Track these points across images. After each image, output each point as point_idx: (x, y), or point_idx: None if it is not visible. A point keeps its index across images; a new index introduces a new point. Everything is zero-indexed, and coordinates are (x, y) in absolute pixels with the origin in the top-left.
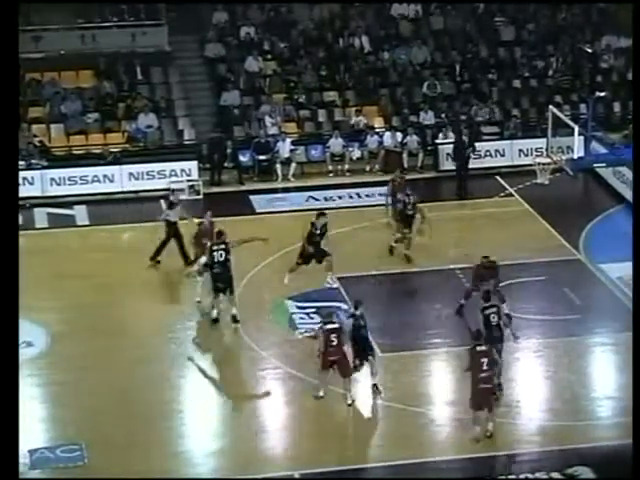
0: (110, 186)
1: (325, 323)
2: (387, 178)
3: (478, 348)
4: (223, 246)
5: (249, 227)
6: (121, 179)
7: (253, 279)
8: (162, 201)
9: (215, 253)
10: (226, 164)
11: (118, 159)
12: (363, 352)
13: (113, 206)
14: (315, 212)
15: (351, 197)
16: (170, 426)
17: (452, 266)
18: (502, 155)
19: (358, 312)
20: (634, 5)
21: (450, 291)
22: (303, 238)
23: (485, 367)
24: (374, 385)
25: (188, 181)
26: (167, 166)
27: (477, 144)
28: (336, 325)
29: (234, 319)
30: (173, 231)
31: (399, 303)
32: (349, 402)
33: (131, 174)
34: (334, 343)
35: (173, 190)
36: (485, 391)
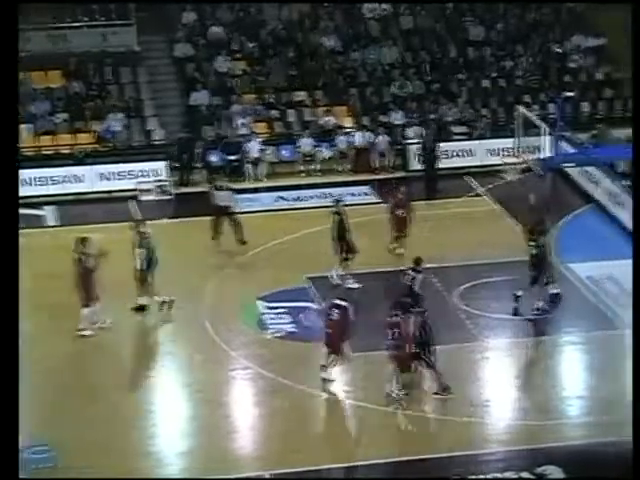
0: (80, 186)
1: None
2: (357, 178)
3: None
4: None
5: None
6: (91, 179)
7: (223, 279)
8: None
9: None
10: (196, 164)
11: (82, 158)
12: None
13: (83, 206)
14: (283, 212)
15: (322, 197)
16: (140, 426)
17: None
18: (471, 155)
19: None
20: (634, 5)
21: (420, 290)
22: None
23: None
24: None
25: (157, 181)
26: (136, 166)
27: (446, 144)
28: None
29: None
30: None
31: (369, 303)
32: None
33: (101, 174)
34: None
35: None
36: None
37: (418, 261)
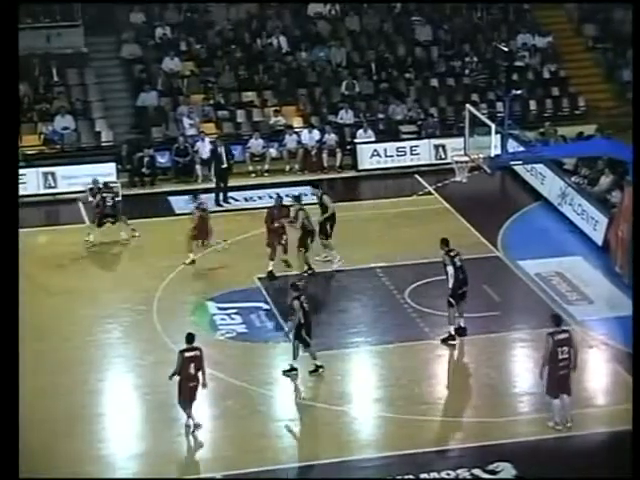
0: (25, 188)
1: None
2: (307, 178)
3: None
4: None
5: (168, 228)
6: (37, 182)
7: (174, 280)
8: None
9: None
10: (143, 170)
11: (29, 161)
12: None
13: (29, 209)
14: (233, 213)
15: (271, 197)
16: (91, 430)
17: (372, 265)
18: (420, 154)
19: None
20: (634, 5)
21: (370, 290)
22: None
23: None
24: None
25: (106, 183)
26: (85, 168)
27: (396, 143)
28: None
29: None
30: None
31: (320, 302)
32: None
33: (47, 176)
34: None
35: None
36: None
37: (446, 242)
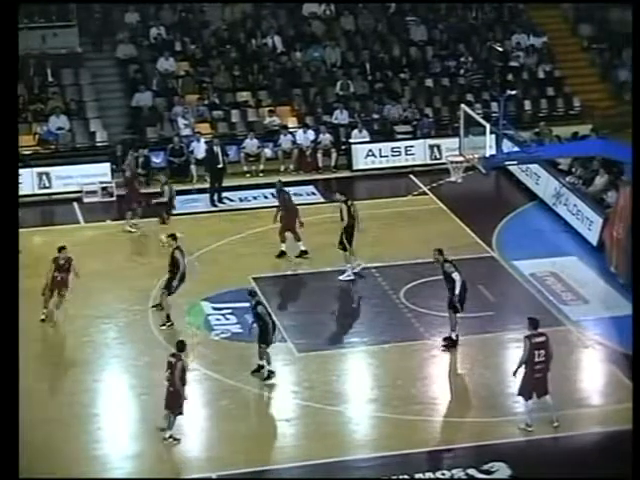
0: (20, 189)
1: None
2: (301, 178)
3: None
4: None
5: (163, 228)
6: (32, 182)
7: None
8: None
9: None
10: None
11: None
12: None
13: (24, 209)
14: (229, 213)
15: (266, 197)
16: (86, 430)
17: (368, 265)
18: (415, 154)
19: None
20: (634, 5)
21: (366, 289)
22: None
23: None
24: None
25: (101, 183)
26: (79, 168)
27: (391, 143)
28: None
29: None
30: None
31: (315, 302)
32: None
33: (42, 177)
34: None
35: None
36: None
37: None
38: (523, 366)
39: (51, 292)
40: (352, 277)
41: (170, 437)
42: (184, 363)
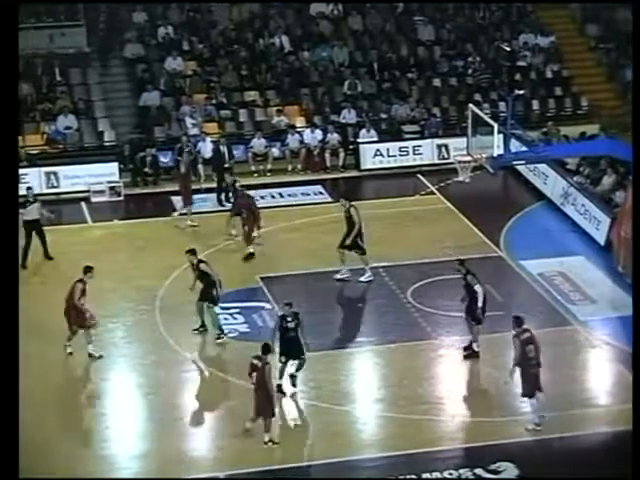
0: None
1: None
2: (309, 177)
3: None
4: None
5: (170, 228)
6: (39, 181)
7: (177, 279)
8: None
9: None
10: (146, 169)
11: (32, 160)
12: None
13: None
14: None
15: (273, 197)
16: (94, 429)
17: (375, 264)
18: (423, 153)
19: (286, 313)
20: (634, 5)
21: (373, 289)
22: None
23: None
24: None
25: (108, 182)
26: (87, 168)
27: (399, 143)
28: None
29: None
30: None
31: (323, 302)
32: None
33: (50, 176)
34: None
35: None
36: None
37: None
38: (518, 365)
39: (79, 327)
40: (372, 277)
41: (270, 441)
42: (270, 366)
